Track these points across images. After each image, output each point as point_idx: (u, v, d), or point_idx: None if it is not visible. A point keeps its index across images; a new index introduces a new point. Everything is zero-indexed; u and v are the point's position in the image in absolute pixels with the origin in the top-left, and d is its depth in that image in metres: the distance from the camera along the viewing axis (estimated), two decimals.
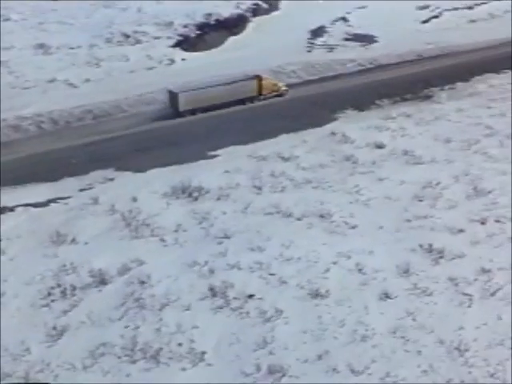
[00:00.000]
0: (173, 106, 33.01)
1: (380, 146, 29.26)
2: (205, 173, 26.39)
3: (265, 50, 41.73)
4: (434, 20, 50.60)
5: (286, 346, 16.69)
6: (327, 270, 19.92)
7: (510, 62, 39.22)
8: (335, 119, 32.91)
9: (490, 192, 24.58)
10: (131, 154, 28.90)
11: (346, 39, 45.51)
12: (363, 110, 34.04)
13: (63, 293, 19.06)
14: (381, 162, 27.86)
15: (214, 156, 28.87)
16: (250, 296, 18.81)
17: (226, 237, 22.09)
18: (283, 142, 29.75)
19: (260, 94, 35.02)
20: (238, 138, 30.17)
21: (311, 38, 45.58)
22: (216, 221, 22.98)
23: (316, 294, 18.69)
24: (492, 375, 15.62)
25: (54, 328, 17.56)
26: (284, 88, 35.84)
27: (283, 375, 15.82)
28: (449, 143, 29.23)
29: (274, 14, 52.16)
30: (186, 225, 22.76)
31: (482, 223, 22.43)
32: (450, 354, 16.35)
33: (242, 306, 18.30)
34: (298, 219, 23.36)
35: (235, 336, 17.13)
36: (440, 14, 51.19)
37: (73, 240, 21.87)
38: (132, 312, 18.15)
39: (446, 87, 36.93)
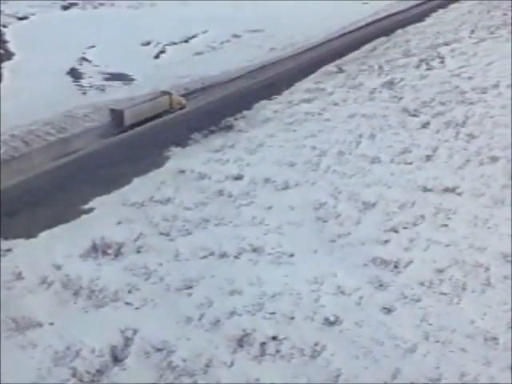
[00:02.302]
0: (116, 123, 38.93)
1: (238, 178, 32.42)
2: (99, 228, 26.82)
3: (36, 98, 42.67)
4: (162, 55, 57.18)
5: None
6: (318, 299, 22.57)
7: (271, 89, 47.09)
8: (168, 157, 35.49)
9: (374, 205, 28.88)
10: None
11: (106, 79, 49.71)
12: (185, 147, 37.05)
13: None
14: (252, 191, 30.08)
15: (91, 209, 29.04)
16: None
17: (190, 286, 23.22)
18: (142, 187, 31.26)
19: (171, 108, 42.32)
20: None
21: (75, 81, 49.06)
22: (161, 273, 23.85)
23: None
24: None
25: None
26: (184, 102, 43.57)
27: None
28: (294, 166, 32.42)
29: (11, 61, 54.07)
30: (137, 283, 23.19)
31: (395, 231, 26.50)
32: None
33: None
34: (236, 257, 24.44)
35: None
36: (164, 48, 58.15)
37: (37, 324, 20.34)
38: None
39: (237, 116, 41.93)
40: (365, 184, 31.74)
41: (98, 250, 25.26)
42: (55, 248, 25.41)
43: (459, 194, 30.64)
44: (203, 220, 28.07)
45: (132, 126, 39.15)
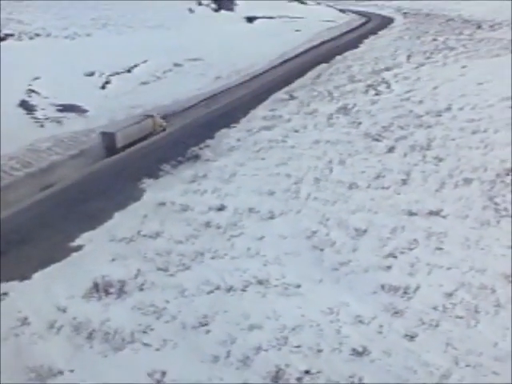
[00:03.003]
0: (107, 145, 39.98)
1: (221, 209, 32.34)
2: (94, 266, 26.06)
3: None
4: (108, 86, 57.04)
5: None
6: (339, 330, 22.51)
7: (228, 117, 47.92)
8: (143, 189, 35.03)
9: (365, 231, 29.39)
10: None
11: (59, 110, 48.79)
12: (158, 178, 36.74)
13: None
14: (239, 222, 30.04)
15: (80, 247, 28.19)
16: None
17: (205, 323, 22.71)
18: (126, 221, 30.68)
19: (154, 130, 44.00)
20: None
21: (29, 113, 47.93)
22: (172, 311, 23.28)
23: None
24: None
25: None
26: (165, 124, 45.26)
27: None
28: (273, 195, 32.76)
29: None
30: (149, 323, 22.52)
31: (394, 257, 27.00)
32: None
33: None
34: (243, 290, 24.38)
35: None
36: (109, 79, 57.93)
37: (57, 372, 19.47)
38: None
39: (201, 145, 42.13)
40: (349, 210, 32.08)
41: (100, 289, 24.39)
42: (54, 289, 24.28)
43: (444, 217, 31.44)
44: (198, 253, 27.58)
45: (123, 148, 40.41)
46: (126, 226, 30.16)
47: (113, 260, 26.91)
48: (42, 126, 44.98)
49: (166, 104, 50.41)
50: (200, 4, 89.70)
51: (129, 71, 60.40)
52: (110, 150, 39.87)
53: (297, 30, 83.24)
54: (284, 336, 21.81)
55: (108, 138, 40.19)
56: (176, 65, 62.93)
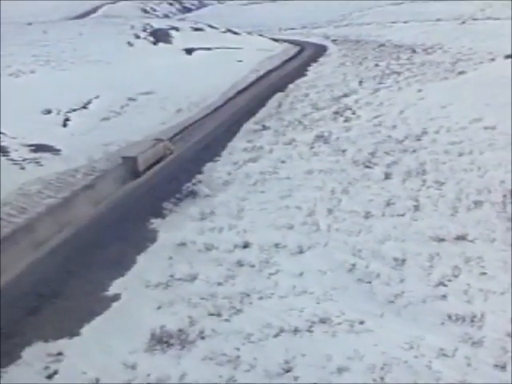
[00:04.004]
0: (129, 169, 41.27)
1: (246, 246, 31.92)
2: (142, 316, 25.31)
3: None
4: (69, 123, 55.53)
5: None
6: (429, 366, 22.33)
7: (208, 151, 47.91)
8: (155, 230, 34.21)
9: (404, 261, 29.54)
10: None
11: (33, 151, 46.87)
12: (164, 217, 35.89)
13: None
14: (270, 259, 30.33)
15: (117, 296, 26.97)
16: None
17: (288, 369, 22.18)
18: (153, 265, 29.94)
19: (164, 154, 45.57)
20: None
21: (4, 155, 45.77)
22: (246, 359, 22.61)
23: None
24: None
25: None
26: (172, 147, 47.02)
27: None
28: (293, 229, 33.03)
29: None
30: (230, 374, 21.88)
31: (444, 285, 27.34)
32: None
33: None
34: (309, 331, 24.79)
35: None
36: (67, 116, 56.55)
37: None
38: None
39: (193, 180, 41.66)
40: (377, 240, 31.95)
41: (160, 341, 23.16)
42: (111, 345, 22.91)
43: (472, 242, 31.78)
44: (243, 294, 26.79)
45: (144, 171, 42.06)
46: (154, 269, 28.98)
47: (159, 308, 25.67)
48: (22, 168, 42.72)
49: (138, 140, 49.00)
50: (138, 37, 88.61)
51: (85, 107, 58.60)
52: (133, 174, 41.27)
53: (239, 61, 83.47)
54: (380, 376, 21.23)
55: (130, 162, 41.58)
56: (130, 99, 61.49)
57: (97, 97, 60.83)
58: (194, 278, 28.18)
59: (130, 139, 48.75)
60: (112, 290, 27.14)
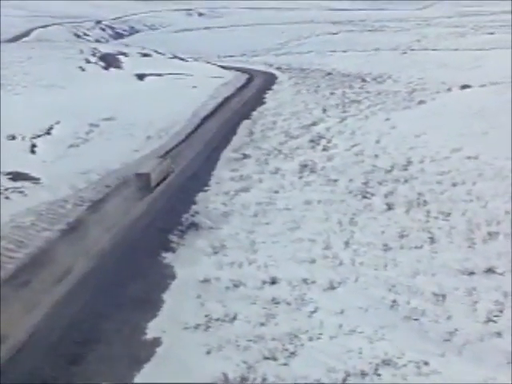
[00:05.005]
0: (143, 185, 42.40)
1: (274, 282, 30.79)
2: (194, 362, 23.89)
3: None
4: (36, 149, 53.36)
5: None
6: None
7: (195, 181, 46.88)
8: (170, 265, 32.81)
9: (444, 296, 29.11)
10: None
11: (12, 179, 44.37)
12: (174, 251, 34.40)
13: None
14: (303, 295, 29.55)
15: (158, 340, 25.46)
16: None
17: None
18: (184, 305, 28.59)
19: (167, 173, 46.42)
20: None
21: None
22: None
23: None
24: None
25: None
26: (173, 166, 47.99)
27: None
28: (315, 263, 31.89)
29: None
30: None
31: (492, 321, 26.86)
32: None
33: None
34: (376, 374, 23.57)
35: None
36: (33, 142, 54.47)
37: None
38: None
39: (190, 212, 40.11)
40: (407, 274, 31.24)
41: None
42: None
43: (502, 274, 31.56)
44: (291, 335, 25.41)
45: (154, 188, 43.07)
46: (187, 310, 27.38)
47: (208, 353, 24.01)
48: (7, 198, 39.90)
49: (117, 168, 46.93)
50: (88, 62, 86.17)
51: (48, 133, 55.74)
52: (146, 190, 42.23)
53: (193, 87, 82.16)
54: None
55: (144, 178, 42.67)
56: (92, 125, 59.00)
57: (58, 122, 58.08)
58: (232, 318, 26.58)
59: (108, 167, 46.55)
60: (150, 333, 25.18)
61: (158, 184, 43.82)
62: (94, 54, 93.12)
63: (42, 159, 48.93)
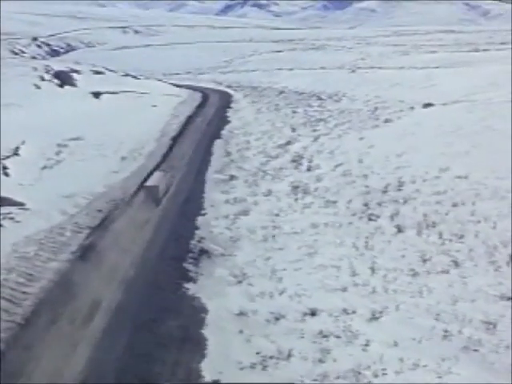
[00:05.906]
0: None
1: (313, 313, 29.51)
2: None
3: None
4: (8, 171, 50.46)
5: None
6: None
7: (189, 204, 45.00)
8: (196, 297, 30.95)
9: (494, 325, 28.42)
10: None
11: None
12: (195, 281, 32.63)
13: None
14: (348, 326, 28.63)
15: None
16: None
17: None
18: (229, 342, 26.87)
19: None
20: None
21: None
22: None
23: None
24: None
25: None
26: (173, 179, 49.83)
27: None
28: (347, 291, 30.93)
29: None
30: None
31: None
32: None
33: None
34: None
35: None
36: (4, 164, 51.53)
37: None
38: None
39: (195, 237, 38.98)
40: (446, 302, 30.13)
41: None
42: None
43: None
44: (354, 372, 24.05)
45: (161, 199, 44.45)
46: (235, 347, 25.54)
47: None
48: (0, 225, 36.79)
49: (103, 191, 44.54)
50: (43, 79, 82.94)
51: (16, 154, 52.58)
52: (155, 202, 43.62)
53: (153, 106, 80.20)
54: None
55: (153, 190, 44.27)
56: (60, 145, 56.19)
57: (23, 142, 55.05)
58: (287, 355, 24.86)
59: (93, 190, 44.08)
60: (207, 375, 23.22)
61: (163, 196, 45.27)
62: (47, 72, 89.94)
63: (18, 182, 45.99)
